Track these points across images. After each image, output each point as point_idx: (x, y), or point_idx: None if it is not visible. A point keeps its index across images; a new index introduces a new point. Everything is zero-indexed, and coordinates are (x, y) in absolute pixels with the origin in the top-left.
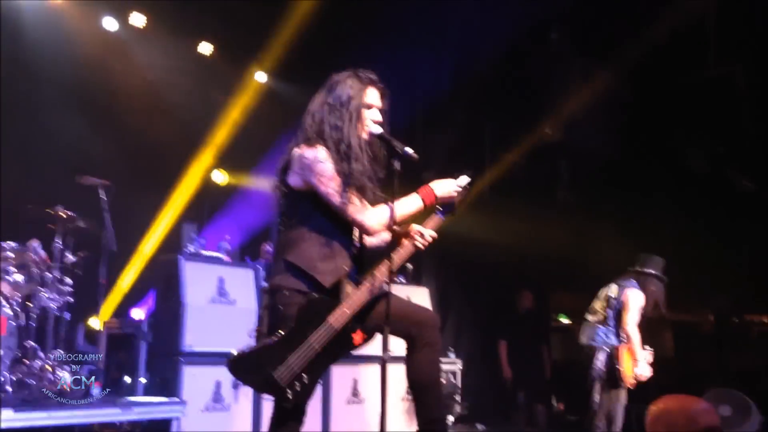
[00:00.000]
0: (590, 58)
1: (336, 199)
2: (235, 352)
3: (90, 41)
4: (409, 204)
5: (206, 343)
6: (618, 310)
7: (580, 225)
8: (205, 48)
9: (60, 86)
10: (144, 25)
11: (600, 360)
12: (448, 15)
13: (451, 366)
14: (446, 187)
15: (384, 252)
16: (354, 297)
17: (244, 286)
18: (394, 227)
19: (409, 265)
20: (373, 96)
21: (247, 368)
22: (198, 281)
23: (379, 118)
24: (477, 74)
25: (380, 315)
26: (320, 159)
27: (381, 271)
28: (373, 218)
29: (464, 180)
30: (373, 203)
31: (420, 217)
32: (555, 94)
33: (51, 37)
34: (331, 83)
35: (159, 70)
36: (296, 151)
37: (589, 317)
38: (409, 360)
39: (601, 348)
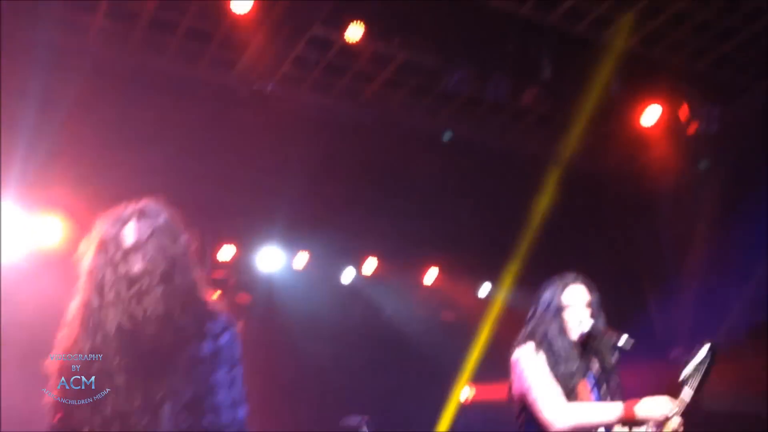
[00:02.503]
0: None
1: (533, 391)
2: None
3: (331, 292)
4: (607, 412)
5: None
6: None
7: None
8: (431, 276)
9: (309, 333)
10: (374, 269)
11: None
12: None
13: None
14: (654, 409)
15: None
16: None
17: None
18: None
19: None
20: (574, 294)
21: None
22: None
23: (584, 314)
24: None
25: None
26: (528, 356)
27: None
28: (560, 419)
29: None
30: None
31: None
32: None
33: (298, 296)
34: (540, 292)
35: (393, 306)
36: (513, 354)
37: None
38: None
39: None
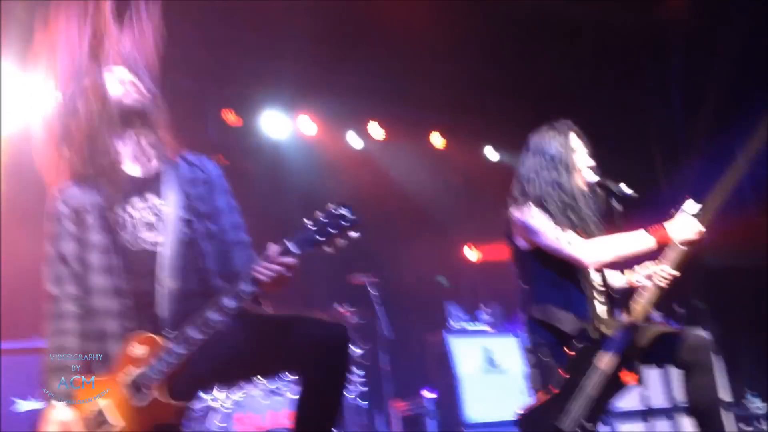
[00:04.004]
0: None
1: (552, 243)
2: (521, 411)
3: (339, 158)
4: (639, 242)
5: (487, 413)
6: None
7: None
8: (437, 140)
9: (318, 200)
10: (379, 133)
11: None
12: None
13: (756, 410)
14: (685, 229)
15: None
16: (616, 339)
17: (510, 352)
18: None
19: (678, 309)
20: (577, 142)
21: (535, 423)
22: (466, 354)
23: (588, 162)
24: None
25: (644, 349)
26: (534, 216)
27: (635, 311)
28: (590, 254)
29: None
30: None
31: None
32: None
33: (306, 162)
34: (534, 143)
35: (400, 170)
36: (515, 215)
37: None
38: (688, 386)
39: None
